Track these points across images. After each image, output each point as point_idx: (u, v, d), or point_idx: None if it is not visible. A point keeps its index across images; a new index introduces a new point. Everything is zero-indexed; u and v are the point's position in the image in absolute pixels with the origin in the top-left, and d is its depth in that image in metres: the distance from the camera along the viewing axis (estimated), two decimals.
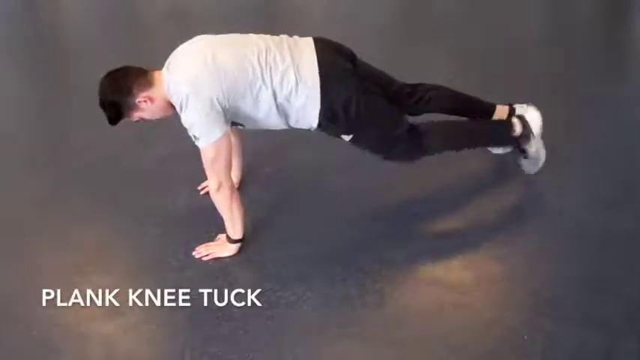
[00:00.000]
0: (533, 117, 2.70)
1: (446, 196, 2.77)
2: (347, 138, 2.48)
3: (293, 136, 2.62)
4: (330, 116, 2.37)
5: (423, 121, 2.60)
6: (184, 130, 2.27)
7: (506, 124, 2.70)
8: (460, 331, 2.07)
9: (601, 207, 2.60)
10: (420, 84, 2.71)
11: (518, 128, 2.68)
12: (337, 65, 2.40)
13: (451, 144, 2.65)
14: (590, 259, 2.34)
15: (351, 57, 2.49)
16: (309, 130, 2.45)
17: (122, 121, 2.39)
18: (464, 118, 2.74)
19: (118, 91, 2.29)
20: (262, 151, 3.05)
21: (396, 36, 4.86)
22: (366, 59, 2.57)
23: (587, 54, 4.27)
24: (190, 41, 2.40)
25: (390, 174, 2.90)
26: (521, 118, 2.70)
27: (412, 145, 2.54)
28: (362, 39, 4.45)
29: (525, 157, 2.75)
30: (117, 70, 2.34)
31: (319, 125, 2.40)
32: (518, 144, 2.72)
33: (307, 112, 2.35)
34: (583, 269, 2.29)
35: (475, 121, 2.71)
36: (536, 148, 2.71)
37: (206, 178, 2.40)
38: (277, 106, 2.33)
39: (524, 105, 2.81)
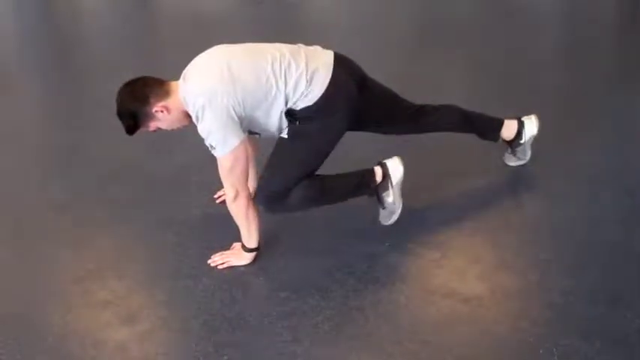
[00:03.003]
0: (396, 167, 2.60)
1: (459, 209, 2.76)
2: (283, 135, 2.42)
3: None
4: (293, 115, 2.35)
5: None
6: (202, 139, 2.29)
7: (368, 173, 2.60)
8: (474, 343, 2.06)
9: (617, 221, 2.58)
10: (426, 105, 2.72)
11: (378, 177, 2.59)
12: (346, 88, 2.41)
13: (308, 202, 2.50)
14: (606, 273, 2.32)
15: (361, 79, 2.51)
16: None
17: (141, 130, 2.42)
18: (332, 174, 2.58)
19: (136, 100, 2.32)
20: None
21: (410, 47, 4.87)
22: (381, 70, 2.58)
23: (600, 66, 4.26)
24: (206, 52, 2.43)
25: (404, 188, 2.89)
26: (383, 166, 2.60)
27: (291, 192, 2.43)
28: (376, 51, 4.49)
29: (382, 208, 2.64)
30: (134, 80, 2.37)
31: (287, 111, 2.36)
32: (377, 192, 2.62)
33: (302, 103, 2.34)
34: (599, 283, 2.27)
35: (336, 177, 2.57)
36: (393, 198, 2.60)
37: (222, 186, 2.42)
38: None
39: (532, 117, 2.81)
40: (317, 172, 2.49)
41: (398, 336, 2.11)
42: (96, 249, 2.67)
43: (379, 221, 2.67)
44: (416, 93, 2.72)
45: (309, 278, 2.39)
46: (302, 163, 2.44)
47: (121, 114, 2.34)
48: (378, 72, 2.58)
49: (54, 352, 2.15)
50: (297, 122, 2.37)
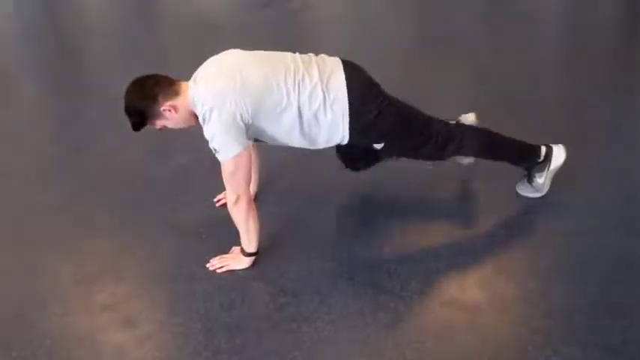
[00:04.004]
0: (559, 154, 2.71)
1: (461, 216, 2.76)
2: (378, 146, 2.50)
3: (310, 152, 2.62)
4: (361, 129, 2.39)
5: (458, 126, 2.61)
6: (204, 141, 2.29)
7: (535, 149, 2.71)
8: (473, 351, 2.05)
9: (617, 229, 2.58)
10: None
11: (541, 157, 2.70)
12: (364, 82, 2.42)
13: (480, 153, 2.67)
14: (606, 282, 2.32)
15: (376, 84, 2.50)
16: (339, 144, 2.48)
17: (144, 131, 2.41)
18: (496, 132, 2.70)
19: (144, 98, 2.31)
20: (280, 166, 3.07)
21: (412, 53, 4.87)
22: (382, 75, 2.57)
23: (600, 72, 4.26)
24: (220, 55, 2.42)
25: (405, 194, 2.91)
26: (548, 148, 2.71)
27: (440, 148, 2.56)
28: (380, 59, 4.48)
29: (529, 182, 2.77)
30: (144, 78, 2.36)
31: (350, 138, 2.42)
32: (531, 170, 2.74)
33: (337, 127, 2.37)
34: (599, 292, 2.26)
35: (506, 138, 2.70)
36: (544, 181, 2.74)
37: (223, 190, 2.42)
38: (302, 125, 2.35)
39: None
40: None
41: (397, 342, 2.10)
42: (95, 251, 2.67)
43: (516, 189, 2.80)
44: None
45: (308, 283, 2.39)
46: (420, 139, 2.53)
47: (129, 111, 2.34)
48: (380, 77, 2.57)
49: (52, 355, 2.14)
50: (374, 136, 2.45)
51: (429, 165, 2.83)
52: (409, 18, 6.02)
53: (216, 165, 2.32)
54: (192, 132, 2.45)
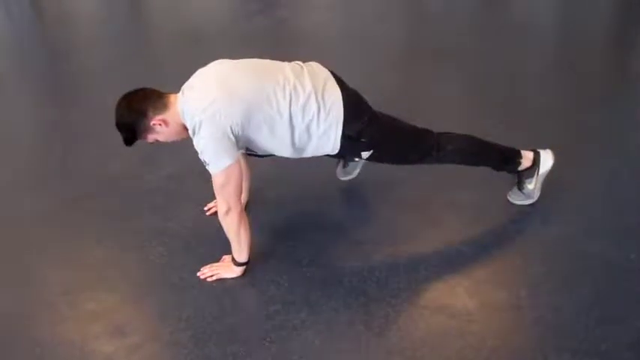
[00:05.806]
0: (547, 158, 2.74)
1: (449, 224, 2.76)
2: (365, 155, 2.50)
3: (302, 161, 2.62)
4: (353, 138, 2.40)
5: (441, 133, 2.62)
6: (193, 151, 2.29)
7: (517, 153, 2.72)
8: (464, 357, 2.06)
9: (607, 236, 2.60)
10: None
11: (526, 162, 2.72)
12: (355, 94, 2.44)
13: (463, 160, 2.68)
14: (596, 288, 2.33)
15: (362, 96, 2.51)
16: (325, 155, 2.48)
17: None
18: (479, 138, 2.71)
19: (134, 113, 2.31)
20: (271, 175, 3.07)
21: (405, 62, 4.88)
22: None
23: (594, 81, 4.29)
24: (209, 66, 2.41)
25: (395, 202, 2.91)
26: (535, 153, 2.73)
27: (425, 154, 2.58)
28: (371, 66, 4.49)
29: (519, 190, 2.80)
30: (133, 93, 2.36)
31: (340, 148, 2.42)
32: (520, 176, 2.77)
33: (328, 138, 2.37)
34: (588, 298, 2.28)
35: (489, 143, 2.71)
36: (534, 186, 2.76)
37: (213, 198, 2.41)
38: (293, 136, 2.34)
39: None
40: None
41: (388, 350, 2.10)
42: (85, 261, 2.66)
43: (508, 198, 2.83)
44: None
45: (299, 292, 2.39)
46: (406, 145, 2.56)
47: (119, 126, 2.34)
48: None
49: None
50: (364, 144, 2.44)
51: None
52: (399, 25, 6.04)
53: (205, 174, 2.32)
54: (184, 141, 2.44)
